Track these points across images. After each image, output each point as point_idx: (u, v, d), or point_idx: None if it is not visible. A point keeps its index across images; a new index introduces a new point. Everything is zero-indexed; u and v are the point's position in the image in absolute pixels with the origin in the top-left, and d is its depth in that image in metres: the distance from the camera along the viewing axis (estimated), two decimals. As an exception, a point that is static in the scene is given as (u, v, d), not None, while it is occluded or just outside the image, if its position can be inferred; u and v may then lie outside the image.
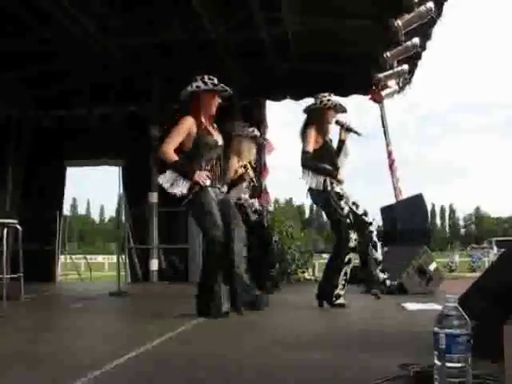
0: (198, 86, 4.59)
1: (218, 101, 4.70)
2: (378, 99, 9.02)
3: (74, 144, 10.12)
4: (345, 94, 9.67)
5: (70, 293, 8.31)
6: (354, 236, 5.16)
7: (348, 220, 5.17)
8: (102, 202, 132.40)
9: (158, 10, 7.68)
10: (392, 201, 9.12)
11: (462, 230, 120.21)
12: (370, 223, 5.54)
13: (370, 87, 8.84)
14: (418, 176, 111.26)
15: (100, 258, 37.44)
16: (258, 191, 7.23)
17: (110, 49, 8.43)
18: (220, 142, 4.72)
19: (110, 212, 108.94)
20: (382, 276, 5.90)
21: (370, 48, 8.14)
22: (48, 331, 3.99)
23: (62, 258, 10.98)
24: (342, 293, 5.13)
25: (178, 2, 7.35)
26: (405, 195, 9.12)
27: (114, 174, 9.53)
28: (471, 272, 19.55)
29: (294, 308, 5.50)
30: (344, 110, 5.45)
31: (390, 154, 9.33)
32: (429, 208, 10.73)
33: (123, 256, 8.97)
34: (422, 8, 6.46)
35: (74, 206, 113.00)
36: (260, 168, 8.97)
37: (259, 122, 9.33)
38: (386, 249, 7.55)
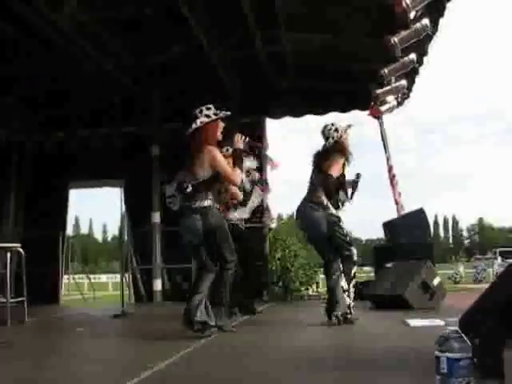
0: (201, 122, 4.74)
1: (222, 126, 4.86)
2: (377, 115, 9.06)
3: (75, 166, 10.17)
4: (344, 110, 9.75)
5: (73, 315, 8.31)
6: (355, 250, 5.44)
7: (348, 238, 5.41)
8: (104, 221, 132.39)
9: (157, 31, 7.74)
10: (394, 215, 9.12)
11: (466, 241, 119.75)
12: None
13: (369, 103, 8.88)
14: (419, 187, 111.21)
15: (104, 278, 37.33)
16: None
17: (109, 69, 8.47)
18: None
19: (113, 231, 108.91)
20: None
21: (368, 65, 8.20)
22: (51, 356, 3.98)
23: (65, 278, 10.98)
24: (351, 304, 5.27)
25: (177, 21, 7.41)
26: (406, 208, 9.12)
27: (117, 193, 9.56)
28: (476, 283, 19.50)
29: (296, 326, 5.50)
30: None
31: (390, 168, 9.33)
32: (431, 219, 10.79)
33: (127, 275, 8.96)
34: (418, 25, 6.50)
35: (76, 226, 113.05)
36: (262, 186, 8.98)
37: (260, 139, 9.37)
38: (389, 264, 7.54)
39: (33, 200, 10.10)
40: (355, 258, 5.41)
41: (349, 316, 5.17)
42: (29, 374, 3.20)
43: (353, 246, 5.42)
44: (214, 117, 4.75)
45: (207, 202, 4.64)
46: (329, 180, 5.34)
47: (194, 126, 4.73)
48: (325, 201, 5.36)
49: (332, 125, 5.57)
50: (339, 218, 5.40)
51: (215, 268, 4.66)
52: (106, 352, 4.14)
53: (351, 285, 5.32)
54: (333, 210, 5.38)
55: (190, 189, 4.68)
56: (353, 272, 5.36)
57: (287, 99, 9.61)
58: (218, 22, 7.55)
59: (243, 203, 6.56)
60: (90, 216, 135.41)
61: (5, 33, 7.23)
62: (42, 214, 10.04)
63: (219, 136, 4.85)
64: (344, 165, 5.49)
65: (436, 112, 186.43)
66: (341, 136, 5.51)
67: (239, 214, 6.55)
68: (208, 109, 4.78)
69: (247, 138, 5.12)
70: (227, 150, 6.65)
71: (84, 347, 4.42)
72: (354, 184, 5.66)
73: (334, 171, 5.36)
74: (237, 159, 4.96)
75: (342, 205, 5.56)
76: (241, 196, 6.46)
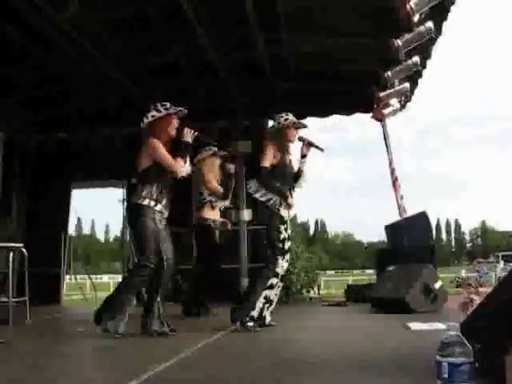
0: (153, 116, 4.93)
1: (176, 122, 4.99)
2: (380, 117, 9.05)
3: (77, 166, 10.19)
4: (347, 113, 9.75)
5: (75, 315, 8.31)
6: (282, 263, 5.09)
7: (281, 245, 5.10)
8: (106, 222, 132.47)
9: (158, 32, 7.74)
10: (396, 218, 9.11)
11: (468, 245, 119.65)
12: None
13: (372, 106, 8.88)
14: (420, 190, 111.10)
15: (105, 278, 37.35)
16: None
17: (110, 71, 8.48)
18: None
19: (115, 232, 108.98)
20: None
21: (371, 67, 8.20)
22: (51, 356, 3.98)
23: (67, 278, 10.99)
24: (255, 315, 5.00)
25: (177, 23, 7.42)
26: (409, 211, 9.11)
27: (119, 193, 9.58)
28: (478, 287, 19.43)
29: (296, 328, 5.50)
30: (305, 126, 5.54)
31: (392, 171, 9.33)
32: (434, 223, 10.74)
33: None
34: (422, 28, 6.51)
35: (78, 226, 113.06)
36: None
37: (260, 140, 9.37)
38: (390, 267, 7.53)
39: (35, 200, 10.12)
40: (278, 269, 5.07)
41: (248, 323, 4.97)
42: (27, 374, 3.20)
43: (282, 256, 5.09)
44: (164, 112, 4.89)
45: (139, 199, 4.71)
46: (262, 172, 5.14)
47: (145, 120, 4.93)
48: (264, 198, 5.15)
49: (286, 114, 5.42)
50: (280, 220, 5.12)
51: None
52: (107, 353, 4.14)
53: (263, 295, 5.04)
54: (275, 209, 5.11)
55: (133, 180, 4.89)
56: (270, 282, 5.04)
57: (289, 101, 9.60)
58: (219, 22, 7.56)
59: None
60: (92, 216, 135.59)
61: (6, 33, 7.24)
62: (45, 214, 10.06)
63: (171, 132, 4.94)
64: (281, 151, 5.27)
65: (437, 113, 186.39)
66: (275, 125, 5.40)
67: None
68: (162, 105, 4.93)
69: (196, 133, 5.08)
70: (209, 149, 6.73)
71: (84, 348, 4.42)
72: (310, 143, 5.48)
73: (266, 161, 5.14)
74: (180, 151, 4.93)
75: (290, 192, 5.26)
76: (219, 190, 6.63)
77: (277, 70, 8.99)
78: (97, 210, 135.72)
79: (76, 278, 12.12)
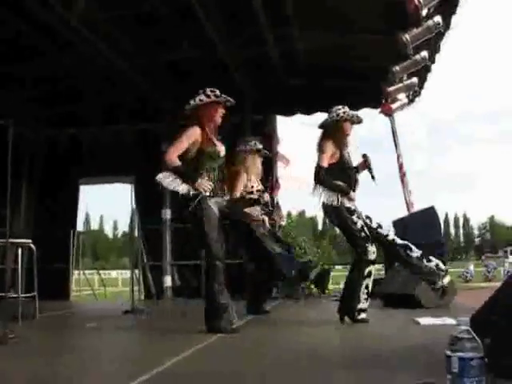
0: (201, 100, 4.73)
1: (222, 111, 4.82)
2: (389, 112, 9.02)
3: (86, 162, 10.22)
4: (355, 108, 9.69)
5: (84, 311, 8.35)
6: (372, 248, 5.11)
7: (363, 233, 5.12)
8: (115, 218, 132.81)
9: (168, 29, 7.75)
10: (404, 213, 9.09)
11: (477, 239, 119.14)
12: (387, 235, 5.37)
13: (380, 101, 8.85)
14: (429, 185, 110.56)
15: (114, 274, 37.50)
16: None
17: (121, 67, 8.49)
18: (222, 153, 4.83)
19: (124, 227, 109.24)
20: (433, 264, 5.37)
21: (380, 62, 8.16)
22: (63, 353, 4.00)
23: (75, 273, 11.04)
24: (364, 307, 5.08)
25: (188, 20, 7.42)
26: (417, 206, 9.09)
27: (127, 189, 9.59)
28: (486, 282, 19.39)
29: (306, 324, 5.51)
30: (360, 121, 5.44)
31: (401, 166, 9.31)
32: (442, 217, 10.70)
33: (137, 271, 8.99)
34: (430, 22, 6.48)
35: (87, 222, 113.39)
36: (271, 183, 9.00)
37: (270, 137, 9.38)
38: (397, 263, 7.51)
39: (44, 196, 10.17)
40: (370, 256, 5.09)
41: (360, 316, 5.05)
42: (41, 370, 3.21)
43: (368, 243, 5.11)
44: (213, 98, 4.73)
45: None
46: (319, 172, 5.11)
47: (192, 102, 4.74)
48: (326, 199, 5.15)
49: (343, 107, 5.31)
50: (349, 211, 5.13)
51: None
52: (118, 348, 4.16)
53: (363, 285, 5.08)
54: (339, 203, 5.10)
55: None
56: (367, 271, 5.08)
57: (298, 97, 9.59)
58: (229, 19, 7.56)
59: None
60: (100, 212, 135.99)
61: (19, 32, 7.28)
62: (53, 210, 10.11)
63: (218, 121, 4.80)
64: (339, 147, 5.22)
65: (447, 109, 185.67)
66: (333, 117, 5.26)
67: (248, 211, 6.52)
68: (212, 91, 4.76)
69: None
70: (255, 144, 6.58)
71: (95, 343, 4.44)
72: (367, 166, 5.37)
73: (324, 161, 5.11)
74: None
75: (351, 186, 5.22)
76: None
77: (287, 66, 8.98)
78: (105, 205, 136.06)
79: (85, 274, 12.15)
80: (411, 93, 8.78)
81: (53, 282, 9.11)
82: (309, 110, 9.83)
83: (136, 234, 9.10)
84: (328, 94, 9.19)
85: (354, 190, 5.25)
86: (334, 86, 9.14)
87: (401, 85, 8.12)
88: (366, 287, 5.10)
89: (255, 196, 6.22)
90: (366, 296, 5.10)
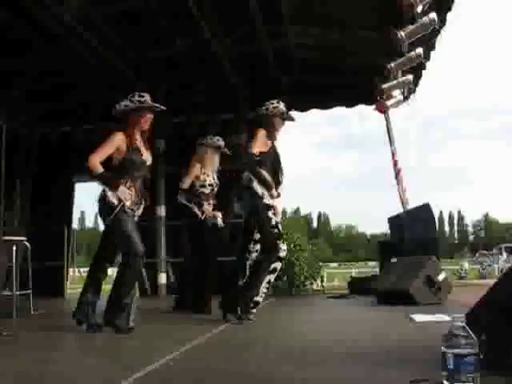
0: (126, 106, 4.71)
1: (150, 117, 4.75)
2: (383, 109, 9.02)
3: (80, 159, 10.13)
4: (349, 105, 9.74)
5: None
6: (283, 246, 5.08)
7: (276, 230, 5.07)
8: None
9: (161, 25, 7.73)
10: (399, 210, 9.10)
11: (471, 237, 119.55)
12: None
13: (375, 98, 8.85)
14: (422, 182, 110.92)
15: (109, 271, 37.38)
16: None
17: (113, 63, 8.46)
18: (148, 161, 4.77)
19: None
20: None
21: (374, 59, 8.18)
22: (56, 350, 4.00)
23: (70, 271, 11.02)
24: (259, 300, 5.06)
25: (181, 16, 7.40)
26: (412, 203, 9.09)
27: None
28: (481, 279, 19.45)
29: (299, 321, 5.51)
30: (292, 119, 5.44)
31: (395, 163, 9.31)
32: (437, 215, 10.74)
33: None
34: (425, 19, 6.48)
35: (81, 219, 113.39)
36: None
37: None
38: (394, 259, 7.53)
39: (38, 194, 10.14)
40: (280, 253, 5.04)
41: (254, 309, 5.04)
42: (35, 367, 3.20)
43: (280, 240, 5.06)
44: (138, 104, 4.68)
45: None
46: (249, 158, 5.02)
47: (117, 107, 4.74)
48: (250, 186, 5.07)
49: (277, 103, 5.31)
50: (266, 207, 5.03)
51: None
52: (111, 345, 4.15)
53: (266, 280, 5.03)
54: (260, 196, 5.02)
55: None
56: (273, 266, 5.01)
57: (292, 94, 9.58)
58: (223, 16, 7.54)
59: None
60: (95, 209, 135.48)
61: (10, 27, 7.23)
62: (48, 207, 10.08)
63: (144, 127, 4.73)
64: (270, 139, 5.18)
65: (439, 105, 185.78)
66: (264, 111, 5.28)
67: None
68: (140, 96, 4.72)
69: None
70: (218, 140, 6.56)
71: (88, 340, 4.42)
72: None
73: (255, 147, 5.02)
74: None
75: (276, 182, 5.13)
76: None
77: (280, 63, 8.97)
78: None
79: (79, 271, 12.15)
80: (406, 90, 8.78)
81: (47, 279, 9.09)
82: (303, 107, 9.83)
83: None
84: (322, 90, 9.20)
85: (276, 187, 5.14)
86: (328, 83, 9.15)
87: (395, 82, 8.12)
88: (268, 282, 5.06)
89: (207, 190, 6.21)
90: (265, 290, 5.06)
